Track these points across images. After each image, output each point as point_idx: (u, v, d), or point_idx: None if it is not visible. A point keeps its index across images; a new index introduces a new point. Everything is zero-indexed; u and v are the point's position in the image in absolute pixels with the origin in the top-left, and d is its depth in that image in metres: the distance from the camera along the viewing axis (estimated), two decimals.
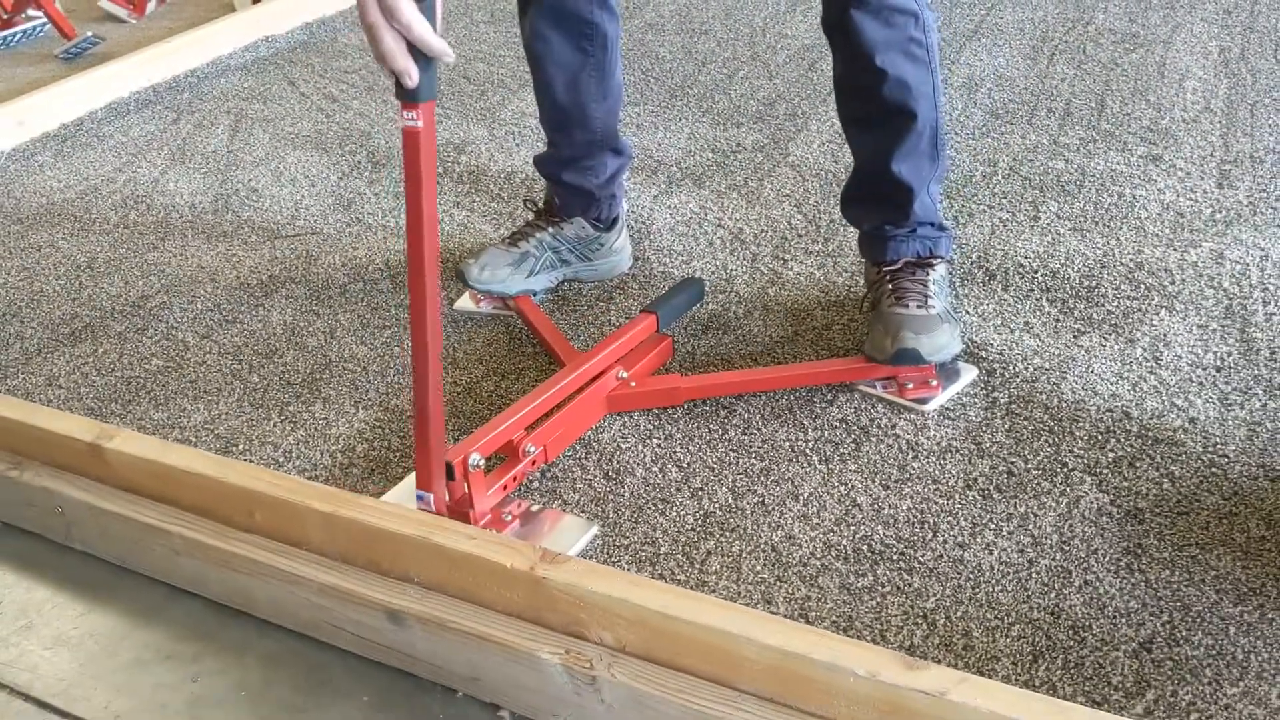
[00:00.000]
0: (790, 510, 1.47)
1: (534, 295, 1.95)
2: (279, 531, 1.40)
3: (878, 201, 1.73)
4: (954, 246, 1.94)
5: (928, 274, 1.72)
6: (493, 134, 2.66)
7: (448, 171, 2.49)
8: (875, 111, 1.66)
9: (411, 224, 1.32)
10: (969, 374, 1.68)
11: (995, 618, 1.28)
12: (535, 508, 1.52)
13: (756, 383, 1.68)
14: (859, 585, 1.34)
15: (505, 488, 1.51)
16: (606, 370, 1.67)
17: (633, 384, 1.67)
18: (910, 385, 1.65)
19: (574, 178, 1.94)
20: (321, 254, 2.21)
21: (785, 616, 1.30)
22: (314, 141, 2.70)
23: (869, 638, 1.27)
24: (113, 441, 1.51)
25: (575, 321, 1.92)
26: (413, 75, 1.25)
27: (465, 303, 1.99)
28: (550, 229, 1.98)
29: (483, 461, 1.45)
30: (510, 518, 1.48)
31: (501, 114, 2.77)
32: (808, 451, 1.57)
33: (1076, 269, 1.92)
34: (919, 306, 1.67)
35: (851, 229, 2.08)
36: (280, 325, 1.99)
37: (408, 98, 1.27)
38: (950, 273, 1.82)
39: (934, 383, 1.65)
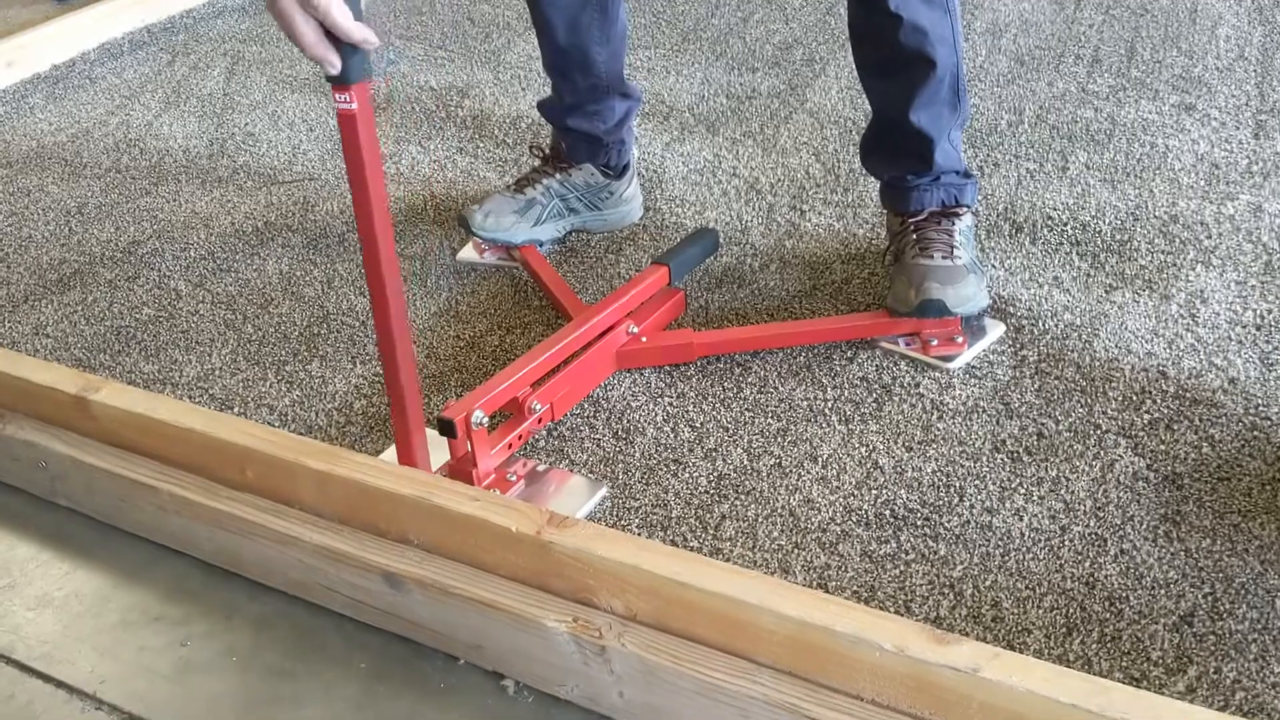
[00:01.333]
0: (809, 473, 1.40)
1: (540, 245, 1.87)
2: (272, 490, 1.33)
3: (898, 152, 1.64)
4: (979, 197, 1.86)
5: (953, 223, 1.64)
6: (497, 77, 2.57)
7: (450, 116, 2.40)
8: (891, 58, 1.57)
9: (361, 214, 1.24)
10: (996, 330, 1.61)
11: (1026, 588, 1.22)
12: (541, 467, 1.45)
13: (773, 339, 1.60)
14: (881, 553, 1.27)
15: (510, 446, 1.44)
16: (616, 325, 1.59)
17: (644, 339, 1.60)
18: (934, 342, 1.57)
19: (580, 123, 1.85)
20: (319, 201, 2.12)
21: (804, 584, 1.24)
22: (312, 85, 2.61)
23: (892, 608, 1.20)
24: (99, 394, 1.44)
25: (583, 274, 1.84)
26: (334, 64, 1.14)
27: (469, 253, 1.91)
28: (558, 175, 1.89)
29: (486, 419, 1.37)
30: (515, 478, 1.41)
31: (506, 57, 2.68)
32: (827, 411, 1.49)
33: (1108, 222, 1.83)
34: (944, 257, 1.59)
35: (872, 179, 2.00)
36: (276, 274, 1.91)
37: (337, 81, 1.17)
38: (975, 224, 1.74)
39: (959, 339, 1.57)
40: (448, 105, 2.45)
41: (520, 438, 1.45)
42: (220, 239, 2.03)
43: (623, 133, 1.91)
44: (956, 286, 1.54)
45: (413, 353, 1.29)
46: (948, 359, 1.56)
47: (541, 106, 1.93)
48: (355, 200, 1.23)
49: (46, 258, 2.03)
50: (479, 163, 2.21)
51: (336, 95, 1.19)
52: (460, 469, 1.39)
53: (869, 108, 1.70)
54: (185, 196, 2.19)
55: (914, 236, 1.62)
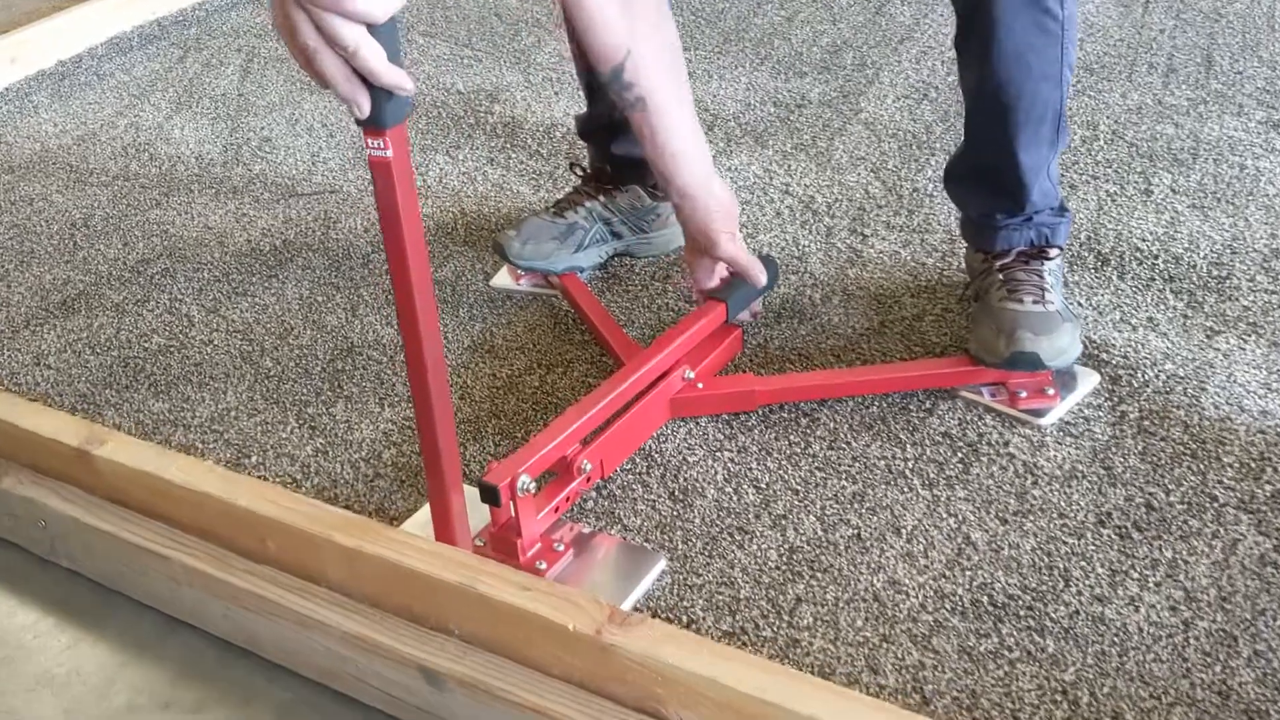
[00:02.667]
0: (892, 547, 1.26)
1: (580, 272, 1.73)
2: (295, 564, 1.19)
3: (989, 187, 1.49)
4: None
5: (1043, 265, 1.49)
6: (529, 80, 2.42)
7: (480, 123, 2.25)
8: (989, 89, 1.41)
9: (396, 269, 1.09)
10: (1089, 380, 1.46)
11: (1150, 696, 1.07)
12: (589, 531, 1.31)
13: (844, 387, 1.46)
14: (981, 649, 1.13)
15: (556, 510, 1.30)
16: (671, 370, 1.45)
17: (700, 385, 1.45)
18: (1023, 394, 1.42)
19: (624, 148, 1.70)
20: (341, 216, 1.98)
21: (896, 690, 1.09)
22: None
23: (999, 718, 1.06)
24: (103, 447, 1.31)
25: (628, 303, 1.70)
26: (362, 106, 0.99)
27: (503, 279, 1.76)
28: (601, 197, 1.74)
29: (533, 485, 1.23)
30: (562, 546, 1.27)
31: (537, 57, 2.53)
32: (907, 473, 1.35)
33: (1202, 254, 1.68)
34: (1035, 302, 1.44)
35: (942, 200, 1.85)
36: (296, 300, 1.77)
37: (370, 124, 1.01)
38: (1064, 264, 1.59)
39: (1051, 391, 1.43)
40: (476, 110, 2.31)
41: (568, 500, 1.31)
42: (235, 258, 1.89)
43: None
44: (1051, 337, 1.40)
45: (452, 421, 1.15)
46: (1038, 413, 1.41)
47: (581, 126, 1.78)
48: (390, 258, 1.09)
49: (50, 276, 1.89)
50: (511, 175, 2.07)
51: (369, 141, 1.03)
52: (503, 537, 1.25)
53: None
54: (198, 209, 2.05)
55: (1000, 277, 1.47)
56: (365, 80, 0.97)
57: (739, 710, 0.97)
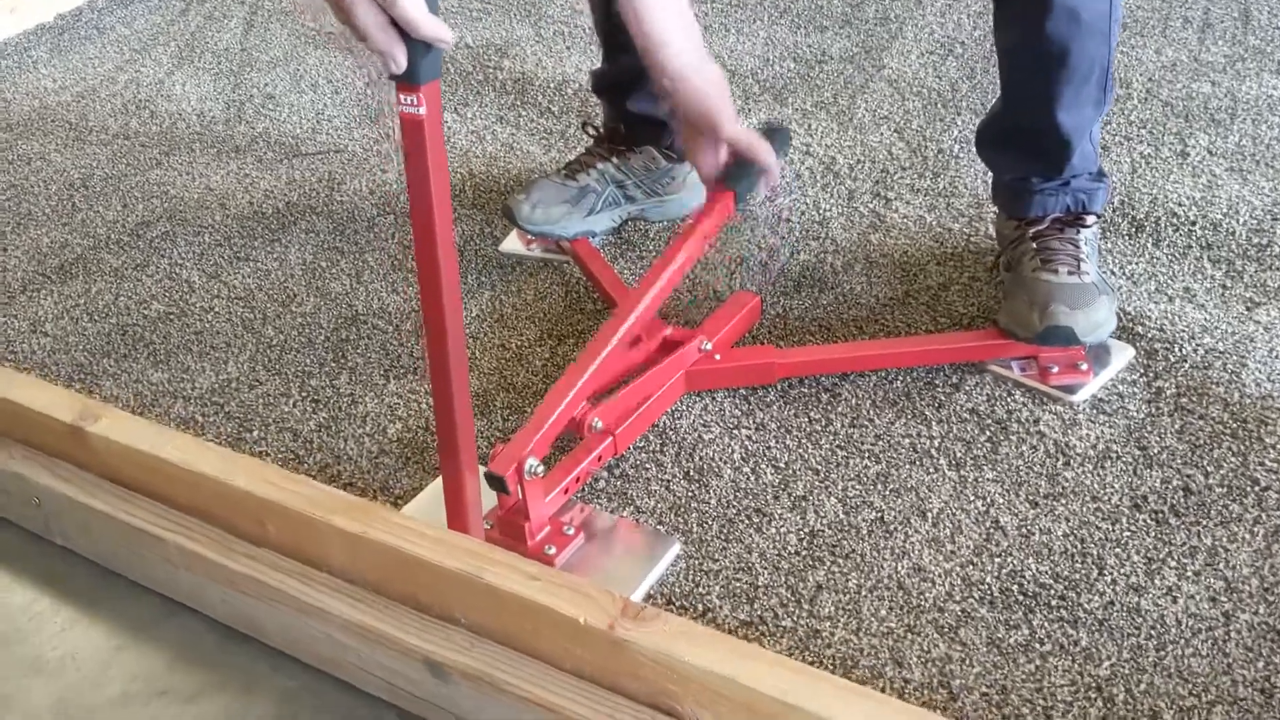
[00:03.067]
0: (917, 531, 1.20)
1: (593, 237, 1.67)
2: (295, 548, 1.15)
3: (1027, 151, 1.42)
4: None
5: (1079, 233, 1.42)
6: (539, 34, 2.34)
7: (489, 79, 2.18)
8: (1034, 46, 1.33)
9: (422, 241, 1.03)
10: (1124, 354, 1.40)
11: (1189, 694, 1.02)
12: (599, 512, 1.26)
13: (866, 360, 1.40)
14: (1011, 641, 1.08)
15: (566, 491, 1.25)
16: (685, 341, 1.39)
17: (717, 357, 1.39)
18: (1055, 368, 1.36)
19: (641, 105, 1.63)
20: (346, 177, 1.92)
21: (922, 684, 1.05)
22: (338, 39, 2.39)
23: (1030, 717, 1.01)
24: (98, 423, 1.26)
25: (643, 270, 1.63)
26: (399, 60, 0.94)
27: (513, 243, 1.70)
28: (614, 159, 1.68)
29: (541, 467, 1.18)
30: (572, 530, 1.22)
31: (548, 9, 2.45)
32: (933, 452, 1.29)
33: (1242, 221, 1.61)
34: (1070, 273, 1.37)
35: (969, 162, 1.78)
36: (299, 265, 1.71)
37: (404, 79, 0.96)
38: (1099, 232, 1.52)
39: (1084, 366, 1.36)
40: (485, 66, 2.23)
41: (578, 480, 1.26)
42: (237, 221, 1.83)
43: None
44: (1087, 310, 1.33)
45: (470, 403, 1.09)
46: (1070, 390, 1.35)
47: (596, 82, 1.71)
48: (415, 223, 1.03)
49: (47, 240, 1.84)
50: (521, 134, 2.00)
51: (401, 97, 0.98)
52: (510, 521, 1.20)
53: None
54: (199, 169, 1.99)
55: (1034, 246, 1.41)
56: (402, 32, 0.92)
57: (758, 710, 0.92)
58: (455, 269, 1.05)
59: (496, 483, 1.15)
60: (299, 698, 1.14)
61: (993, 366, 1.39)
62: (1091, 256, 1.42)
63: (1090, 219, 1.43)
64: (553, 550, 1.19)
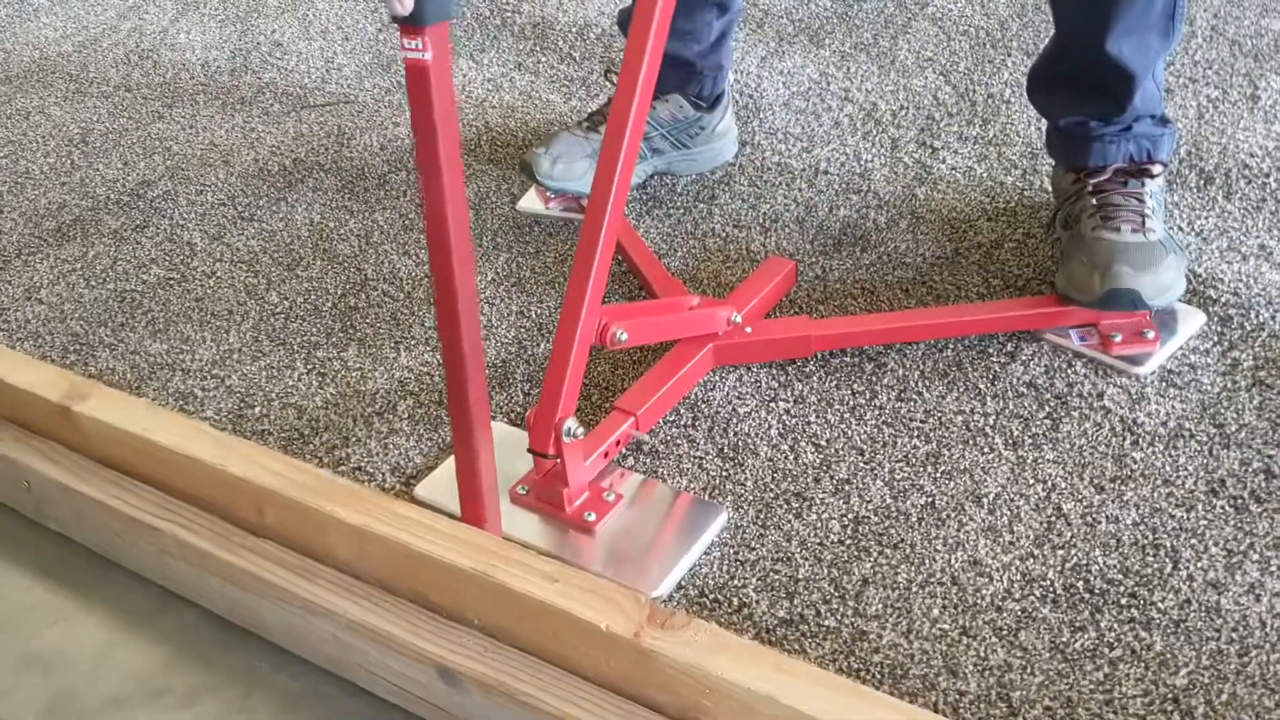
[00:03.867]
0: (972, 519, 1.10)
1: None
2: (296, 538, 1.07)
3: (1084, 90, 1.30)
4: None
5: (1143, 185, 1.30)
6: None
7: (506, 24, 2.06)
8: None
9: (430, 197, 0.93)
10: (1194, 320, 1.28)
11: (1277, 706, 0.92)
12: (641, 480, 1.17)
13: (909, 330, 1.29)
14: (1077, 645, 0.98)
15: (606, 455, 1.16)
16: (714, 309, 1.29)
17: (748, 329, 1.29)
18: (1118, 337, 1.25)
19: (670, 45, 1.51)
20: (356, 131, 1.81)
21: (979, 697, 0.95)
22: None
23: None
24: (85, 403, 1.18)
25: (670, 230, 1.53)
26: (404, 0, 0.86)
27: (531, 201, 1.60)
28: None
29: (581, 430, 1.09)
30: (613, 497, 1.14)
31: None
32: (988, 430, 1.19)
33: None
34: (1134, 230, 1.25)
35: (1021, 107, 1.65)
36: (305, 225, 1.62)
37: (408, 20, 0.88)
38: (1166, 185, 1.39)
39: (1150, 334, 1.25)
40: (503, 10, 2.11)
41: (619, 443, 1.18)
42: (242, 179, 1.74)
43: (720, 55, 1.57)
44: (1154, 271, 1.22)
45: (485, 383, 1.00)
46: (1136, 361, 1.24)
47: (624, 20, 1.59)
48: (423, 180, 0.93)
49: (45, 200, 1.75)
50: (540, 82, 1.88)
51: (406, 41, 0.89)
52: (548, 486, 1.12)
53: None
54: (203, 123, 1.89)
55: (1094, 201, 1.29)
56: None
57: None
58: (467, 231, 0.95)
59: (539, 456, 1.07)
60: (300, 702, 1.06)
61: (1050, 335, 1.28)
62: (1158, 212, 1.30)
63: (1156, 169, 1.31)
64: (592, 517, 1.11)
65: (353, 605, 1.00)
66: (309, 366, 1.37)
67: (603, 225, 1.11)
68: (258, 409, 1.32)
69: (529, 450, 1.10)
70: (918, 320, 1.30)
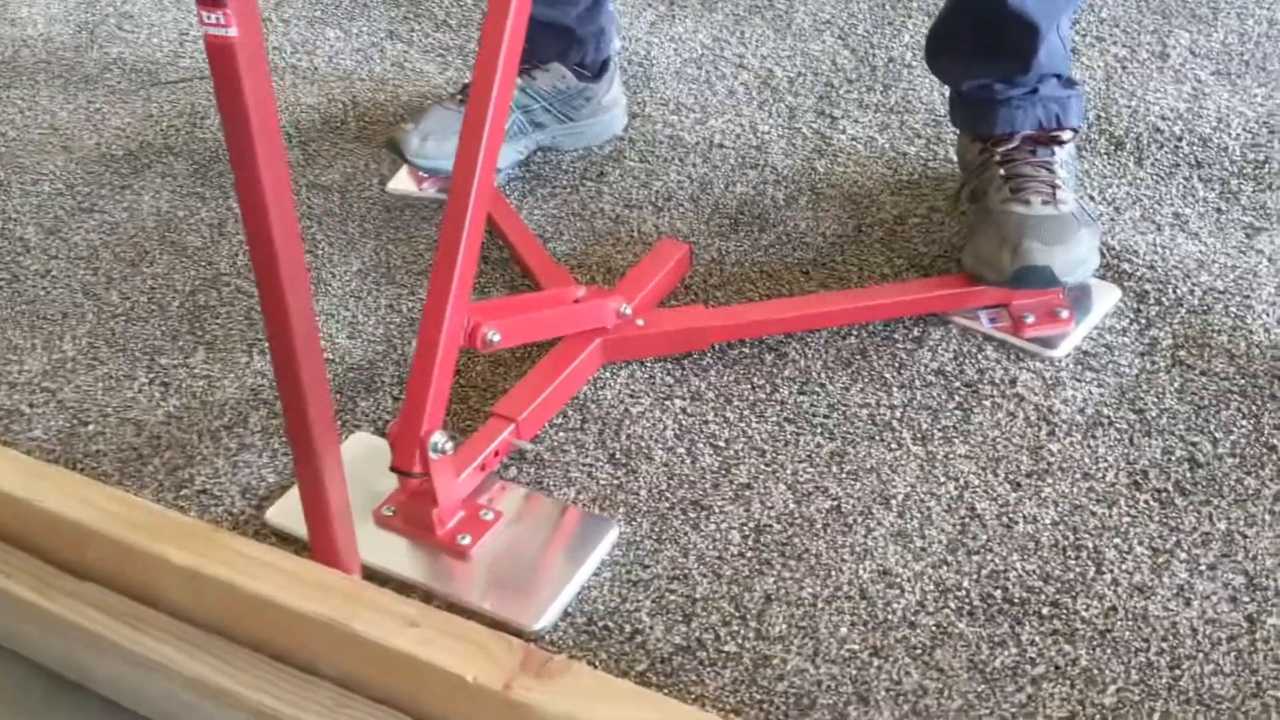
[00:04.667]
0: (881, 523, 1.01)
1: (496, 173, 1.44)
2: (123, 581, 0.93)
3: (986, 48, 1.21)
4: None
5: (1053, 154, 1.22)
6: None
7: None
8: None
9: (247, 197, 0.80)
10: (1109, 296, 1.21)
11: None
12: (524, 490, 1.06)
13: (811, 318, 1.20)
14: (997, 664, 0.90)
15: (483, 468, 1.05)
16: (601, 300, 1.18)
17: (639, 322, 1.18)
18: (1029, 318, 1.17)
19: (544, 10, 1.39)
20: (210, 110, 1.66)
21: None
22: None
23: None
24: None
25: (555, 211, 1.41)
26: None
27: (403, 182, 1.47)
28: (519, 79, 1.44)
29: (450, 443, 0.98)
30: (491, 515, 1.03)
31: None
32: (894, 424, 1.10)
33: (1234, 134, 1.42)
34: (1045, 202, 1.17)
35: (924, 71, 1.56)
36: (152, 215, 1.46)
37: None
38: (1076, 151, 1.31)
39: (1064, 313, 1.17)
40: None
41: (496, 454, 1.07)
42: (82, 165, 1.57)
43: (601, 19, 1.45)
44: (1066, 245, 1.14)
45: (329, 406, 0.87)
46: (1049, 343, 1.16)
47: None
48: (238, 178, 0.79)
49: None
50: (414, 52, 1.74)
51: (204, 13, 0.75)
52: (414, 508, 1.00)
53: None
54: (43, 104, 1.72)
55: (1001, 172, 1.20)
56: None
57: None
58: (294, 231, 0.82)
59: (403, 476, 0.96)
60: None
61: (958, 318, 1.20)
62: (1069, 182, 1.22)
63: (1066, 135, 1.23)
64: (467, 540, 1.01)
65: (187, 658, 0.88)
66: (151, 376, 1.23)
67: (467, 212, 1.00)
68: (92, 426, 1.17)
69: (392, 469, 0.98)
70: (820, 307, 1.20)
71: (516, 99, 1.44)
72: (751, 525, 1.03)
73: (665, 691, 0.89)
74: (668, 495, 1.06)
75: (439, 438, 0.97)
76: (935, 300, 1.19)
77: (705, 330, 1.17)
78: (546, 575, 0.98)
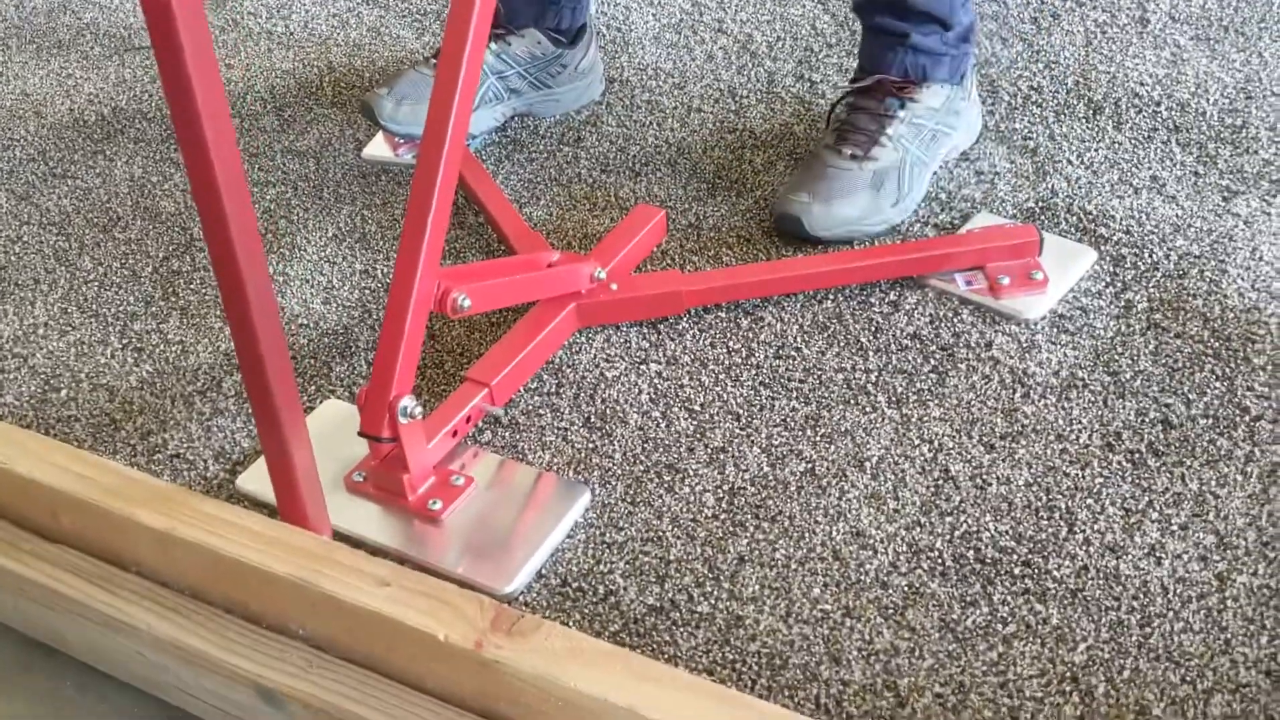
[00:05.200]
0: (855, 486, 1.02)
1: (471, 140, 1.43)
2: (97, 544, 0.93)
3: None
4: (1040, 66, 1.42)
5: (903, 105, 1.26)
6: None
7: None
8: None
9: (194, 163, 0.77)
10: (1084, 259, 1.21)
11: (1182, 680, 0.86)
12: (496, 456, 1.06)
13: (788, 281, 1.19)
14: (968, 623, 0.90)
15: (455, 433, 1.05)
16: (576, 265, 1.17)
17: (614, 286, 1.18)
18: (1005, 280, 1.17)
19: None
20: None
21: (864, 687, 0.87)
22: None
23: None
24: None
25: (532, 176, 1.40)
26: None
27: (378, 148, 1.46)
28: (492, 45, 1.43)
29: (419, 408, 0.98)
30: (462, 480, 1.03)
31: None
32: (870, 388, 1.10)
33: (1212, 100, 1.41)
34: (854, 156, 1.24)
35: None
36: (125, 181, 1.45)
37: None
38: (967, 99, 1.32)
39: (1039, 275, 1.17)
40: None
41: (469, 420, 1.06)
42: (55, 132, 1.56)
43: None
44: (834, 203, 1.22)
45: (289, 368, 0.86)
46: (1025, 306, 1.16)
47: None
48: (183, 145, 0.78)
49: None
50: (390, 16, 1.73)
51: None
52: (386, 473, 1.00)
53: None
54: (14, 71, 1.70)
55: (840, 113, 1.28)
56: None
57: None
58: (244, 192, 0.80)
59: (374, 441, 0.97)
60: None
61: (934, 281, 1.20)
62: (912, 138, 1.25)
63: (923, 93, 1.26)
64: (438, 505, 1.01)
65: (156, 619, 0.88)
66: (124, 341, 1.22)
67: (437, 176, 0.99)
68: (64, 392, 1.17)
69: (360, 434, 0.98)
70: (795, 271, 1.20)
71: (491, 64, 1.43)
72: (726, 488, 1.03)
73: (639, 652, 0.89)
74: (642, 459, 1.06)
75: (408, 402, 0.97)
76: (910, 264, 1.19)
77: (679, 295, 1.17)
78: (518, 539, 0.98)
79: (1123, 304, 1.16)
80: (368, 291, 1.26)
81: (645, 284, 1.18)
